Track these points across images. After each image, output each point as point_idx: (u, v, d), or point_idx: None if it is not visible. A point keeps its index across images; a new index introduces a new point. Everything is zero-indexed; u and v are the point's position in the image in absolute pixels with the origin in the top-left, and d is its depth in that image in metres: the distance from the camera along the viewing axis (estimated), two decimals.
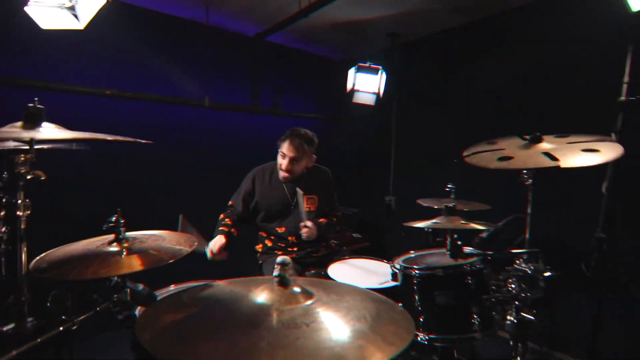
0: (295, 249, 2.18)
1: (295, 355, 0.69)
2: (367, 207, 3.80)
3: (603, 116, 1.68)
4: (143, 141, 1.06)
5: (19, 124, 0.92)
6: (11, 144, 0.97)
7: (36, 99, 0.96)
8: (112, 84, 2.48)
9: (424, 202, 2.28)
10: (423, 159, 3.44)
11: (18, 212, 0.91)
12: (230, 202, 2.26)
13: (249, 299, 0.93)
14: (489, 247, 1.49)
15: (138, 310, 1.43)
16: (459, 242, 1.26)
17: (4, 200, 1.40)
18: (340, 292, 1.03)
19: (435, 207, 2.19)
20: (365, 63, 3.26)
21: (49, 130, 0.94)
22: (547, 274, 1.26)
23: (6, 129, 0.90)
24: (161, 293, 1.56)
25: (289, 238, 2.17)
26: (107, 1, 1.69)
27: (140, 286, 1.35)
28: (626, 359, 2.19)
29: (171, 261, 1.08)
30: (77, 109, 2.34)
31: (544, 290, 1.31)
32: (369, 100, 3.36)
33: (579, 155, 1.27)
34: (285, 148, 2.10)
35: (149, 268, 1.06)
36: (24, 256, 0.92)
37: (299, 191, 2.05)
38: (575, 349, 2.40)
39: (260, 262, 2.24)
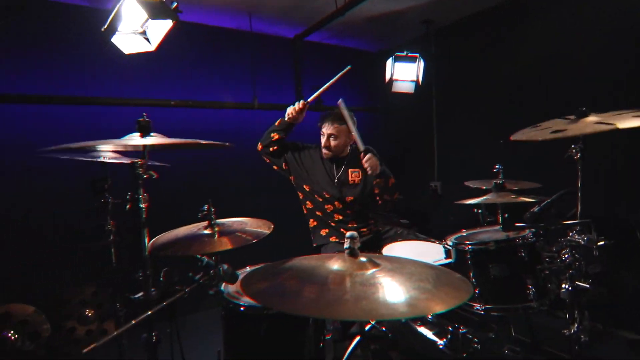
0: (342, 218, 2.31)
1: (375, 304, 0.85)
2: (413, 194, 3.86)
3: None
4: (227, 144, 1.26)
5: (136, 134, 1.15)
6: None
7: (144, 113, 1.19)
8: (174, 94, 2.79)
9: (472, 184, 2.34)
10: (466, 143, 3.45)
11: (140, 204, 1.15)
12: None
13: (325, 267, 1.10)
14: (541, 221, 1.56)
15: (224, 286, 1.68)
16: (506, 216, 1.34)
17: (109, 199, 1.68)
18: (401, 262, 1.18)
19: (484, 187, 2.24)
20: (402, 52, 3.32)
21: (156, 139, 1.17)
22: (601, 242, 1.31)
23: (126, 138, 1.13)
24: (240, 272, 1.79)
25: (336, 204, 2.29)
26: (174, 23, 1.93)
27: (226, 266, 1.59)
28: None
29: (254, 241, 1.27)
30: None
31: (601, 264, 1.36)
32: (408, 88, 3.42)
33: (632, 120, 1.29)
34: (323, 127, 2.31)
35: (237, 247, 1.27)
36: (146, 239, 1.16)
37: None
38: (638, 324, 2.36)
39: (314, 244, 2.38)
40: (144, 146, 1.15)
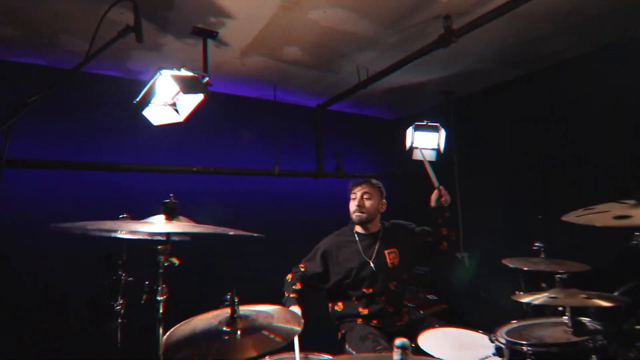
0: (376, 311, 2.10)
1: None
2: (437, 266, 3.62)
3: None
4: (255, 234, 1.15)
5: (162, 216, 1.05)
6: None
7: (172, 194, 1.10)
8: (197, 161, 2.77)
9: (510, 263, 2.13)
10: (491, 214, 3.29)
11: (158, 297, 1.01)
12: (301, 265, 2.21)
13: None
14: (607, 318, 1.35)
15: None
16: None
17: (122, 277, 1.54)
18: None
19: (525, 268, 2.05)
20: (422, 122, 3.33)
21: (182, 225, 1.06)
22: None
23: (150, 220, 1.03)
24: None
25: (376, 298, 2.10)
26: (204, 97, 1.95)
27: None
28: None
29: (285, 344, 1.09)
30: (171, 185, 2.63)
31: None
32: (430, 156, 3.37)
33: None
34: (355, 189, 2.24)
35: (263, 353, 1.08)
36: (161, 337, 1.00)
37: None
38: None
39: (342, 331, 2.15)
40: (168, 234, 1.04)
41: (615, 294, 1.37)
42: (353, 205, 2.22)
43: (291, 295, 2.00)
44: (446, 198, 2.30)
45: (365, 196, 2.23)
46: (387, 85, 3.23)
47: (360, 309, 2.10)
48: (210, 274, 2.77)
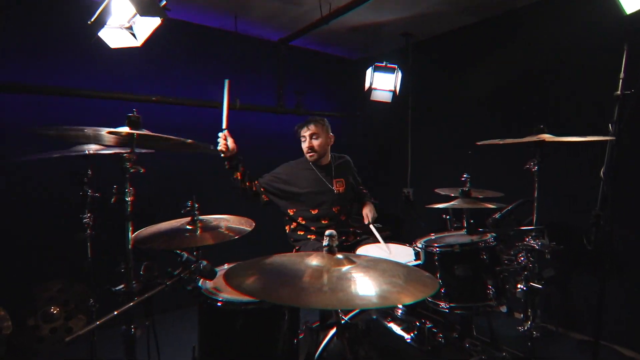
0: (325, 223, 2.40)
1: (350, 295, 0.93)
2: (387, 200, 4.01)
3: (601, 109, 1.88)
4: (211, 147, 1.31)
5: (125, 128, 1.18)
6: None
7: (135, 109, 1.22)
8: (155, 90, 2.77)
9: (442, 191, 2.49)
10: (437, 152, 3.64)
11: (126, 198, 1.18)
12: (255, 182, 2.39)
13: (305, 263, 1.17)
14: (501, 227, 1.70)
15: (202, 282, 1.71)
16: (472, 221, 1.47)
17: (89, 192, 1.68)
18: (375, 261, 1.27)
19: (452, 194, 2.39)
20: (382, 62, 3.47)
21: (148, 132, 1.20)
22: (555, 246, 1.46)
23: (118, 130, 1.16)
24: (218, 269, 1.83)
25: (323, 221, 2.40)
26: (162, 22, 1.95)
27: (205, 262, 1.62)
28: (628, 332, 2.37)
29: (236, 237, 1.33)
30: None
31: (554, 268, 1.52)
32: (386, 97, 3.58)
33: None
34: (302, 131, 2.42)
35: (218, 242, 1.31)
36: (130, 233, 1.19)
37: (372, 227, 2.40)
38: (588, 327, 2.58)
39: (296, 247, 2.46)
40: (136, 135, 1.18)
41: (510, 207, 1.72)
42: (305, 147, 2.42)
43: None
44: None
45: (313, 137, 2.40)
46: (350, 23, 3.27)
47: (311, 228, 2.40)
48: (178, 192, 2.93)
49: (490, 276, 1.62)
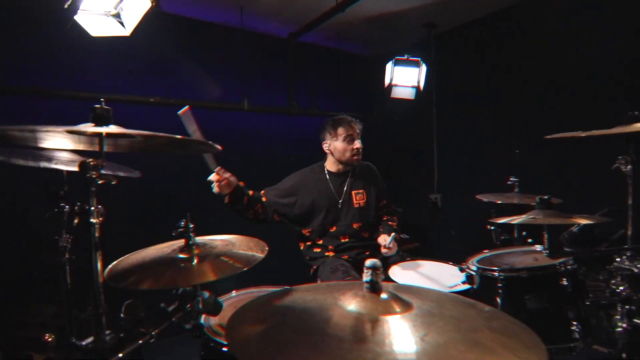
0: (347, 248, 2.07)
1: None
2: (410, 207, 3.63)
3: None
4: (218, 146, 0.99)
5: (89, 124, 0.86)
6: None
7: (102, 99, 0.91)
8: (153, 91, 2.49)
9: (485, 197, 2.11)
10: (469, 154, 3.26)
11: (92, 219, 0.86)
12: (262, 192, 2.07)
13: (340, 307, 0.83)
14: (581, 244, 1.33)
15: (204, 319, 1.38)
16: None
17: (76, 207, 1.37)
18: (433, 299, 0.92)
19: (499, 202, 2.03)
20: (403, 56, 3.13)
21: (116, 128, 0.88)
22: None
23: (78, 127, 0.84)
24: (223, 299, 1.50)
25: (342, 239, 2.07)
26: (152, 5, 1.66)
27: (207, 294, 1.29)
28: None
29: (245, 269, 0.99)
30: (122, 118, 2.37)
31: None
32: (408, 94, 3.23)
33: None
34: (347, 129, 2.03)
35: (221, 277, 0.99)
36: (99, 265, 0.87)
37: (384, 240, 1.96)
38: None
39: (313, 267, 2.13)
40: (104, 134, 0.86)
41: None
42: (352, 147, 2.03)
43: None
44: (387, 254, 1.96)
45: (359, 137, 2.08)
46: (367, 13, 2.95)
47: (329, 247, 2.06)
48: (169, 207, 2.63)
49: (572, 308, 1.25)
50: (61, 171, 1.42)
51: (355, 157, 2.06)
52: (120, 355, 0.82)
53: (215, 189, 1.78)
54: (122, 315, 1.00)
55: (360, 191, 2.12)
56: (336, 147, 2.06)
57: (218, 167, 1.73)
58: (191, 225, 1.05)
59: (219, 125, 2.87)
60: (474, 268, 1.42)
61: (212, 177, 1.76)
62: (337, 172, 2.13)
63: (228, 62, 2.89)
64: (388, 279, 1.73)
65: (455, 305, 0.89)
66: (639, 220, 1.24)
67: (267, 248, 1.10)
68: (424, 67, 3.16)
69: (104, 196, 0.92)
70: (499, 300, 1.33)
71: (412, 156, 3.83)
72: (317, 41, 3.50)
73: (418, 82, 3.19)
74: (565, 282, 1.24)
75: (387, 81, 3.21)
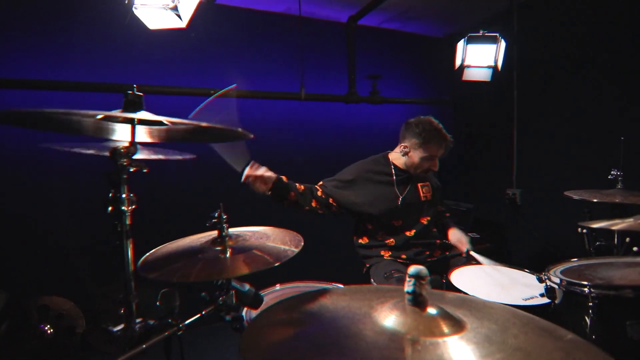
0: (402, 243, 1.90)
1: None
2: (485, 203, 3.26)
3: None
4: (250, 135, 0.92)
5: (118, 110, 0.86)
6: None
7: (135, 85, 0.89)
8: (213, 83, 2.55)
9: (576, 194, 1.75)
10: (556, 144, 2.78)
11: (123, 207, 0.85)
12: (319, 183, 1.94)
13: (374, 320, 0.71)
14: None
15: (245, 312, 1.36)
16: None
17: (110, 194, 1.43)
18: (497, 318, 0.74)
19: (595, 200, 1.67)
20: (477, 32, 2.77)
21: (149, 115, 0.86)
22: None
23: (110, 113, 0.84)
24: (266, 293, 1.46)
25: (406, 233, 1.91)
26: None
27: (247, 286, 1.25)
28: None
29: (277, 264, 0.92)
30: (181, 110, 2.48)
31: None
32: (484, 76, 2.86)
33: None
34: (437, 149, 1.85)
35: (254, 271, 0.92)
36: (130, 253, 0.86)
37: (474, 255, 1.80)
38: None
39: (366, 265, 1.99)
40: (136, 121, 0.85)
41: None
42: (427, 167, 1.89)
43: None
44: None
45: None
46: None
47: (387, 242, 1.90)
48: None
49: None
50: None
51: (422, 171, 1.92)
52: (144, 346, 0.80)
53: (253, 185, 1.67)
54: (157, 303, 1.00)
55: (426, 184, 1.98)
56: (413, 158, 1.89)
57: (252, 162, 1.61)
58: (224, 216, 1.00)
59: (275, 115, 2.86)
60: (557, 280, 1.16)
61: (247, 171, 1.64)
62: (402, 169, 1.96)
63: (285, 51, 2.85)
64: (448, 285, 1.53)
65: (525, 330, 0.70)
66: None
67: (302, 242, 1.02)
68: (502, 44, 2.76)
69: (145, 185, 0.91)
70: (588, 322, 1.06)
71: (488, 146, 3.42)
72: (380, 24, 3.28)
73: (495, 61, 2.80)
74: None
75: (458, 62, 2.89)
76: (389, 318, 0.69)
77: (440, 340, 0.63)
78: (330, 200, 1.87)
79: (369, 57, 3.20)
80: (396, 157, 1.97)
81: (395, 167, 1.95)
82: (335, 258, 2.54)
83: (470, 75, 2.86)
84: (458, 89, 3.49)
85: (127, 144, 0.87)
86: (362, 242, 1.97)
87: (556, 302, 1.19)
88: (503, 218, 3.07)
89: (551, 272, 1.22)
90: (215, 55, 2.68)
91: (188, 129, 0.96)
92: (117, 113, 0.83)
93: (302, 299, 0.85)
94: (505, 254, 2.97)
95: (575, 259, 1.28)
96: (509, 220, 3.02)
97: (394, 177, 1.92)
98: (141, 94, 0.89)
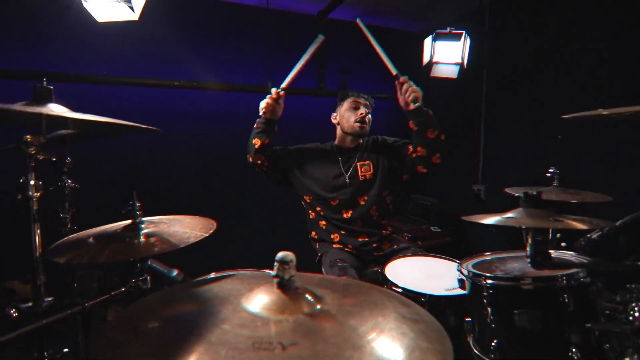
0: (353, 232, 1.95)
1: None
2: (450, 197, 3.33)
3: None
4: (153, 128, 0.97)
5: (24, 103, 0.91)
6: None
7: (45, 79, 0.94)
8: (175, 75, 2.59)
9: (515, 191, 1.81)
10: (517, 141, 2.84)
11: (30, 193, 0.91)
12: None
13: (244, 303, 0.77)
14: (602, 254, 1.06)
15: None
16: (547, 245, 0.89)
17: (67, 183, 1.49)
18: (360, 295, 0.80)
19: None
20: (445, 29, 2.80)
21: (58, 108, 0.91)
22: None
23: (16, 106, 0.89)
24: (197, 280, 1.53)
25: (344, 214, 1.95)
26: None
27: (175, 272, 1.31)
28: None
29: (182, 246, 0.98)
30: (151, 102, 2.51)
31: None
32: (451, 73, 2.90)
33: None
34: (356, 98, 2.00)
35: (163, 252, 0.99)
36: (37, 238, 0.92)
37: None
38: None
39: (318, 254, 2.08)
40: (44, 114, 0.90)
41: (619, 223, 1.06)
42: (355, 115, 1.96)
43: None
44: (411, 91, 1.75)
45: (367, 109, 1.99)
46: None
47: (333, 236, 1.97)
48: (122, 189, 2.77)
49: (576, 333, 1.01)
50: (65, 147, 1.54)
51: (359, 125, 1.95)
52: (45, 321, 0.86)
53: (264, 104, 1.83)
54: (75, 284, 1.07)
55: (367, 162, 1.98)
56: (342, 115, 2.01)
57: (283, 92, 1.82)
58: (138, 204, 1.06)
59: (242, 107, 2.89)
60: (465, 272, 1.22)
61: (274, 90, 1.83)
62: (346, 148, 2.04)
63: (253, 43, 2.87)
64: (383, 276, 1.60)
65: (385, 312, 0.76)
66: None
67: (213, 227, 1.08)
68: (468, 41, 2.79)
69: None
70: (489, 311, 1.13)
71: (456, 142, 3.46)
72: (354, 18, 3.29)
73: (462, 58, 2.84)
74: (566, 299, 1.00)
75: (426, 58, 2.92)
76: (255, 300, 0.76)
77: (301, 317, 0.69)
78: (281, 161, 2.00)
79: (341, 51, 3.23)
80: (338, 139, 2.07)
81: (339, 147, 2.05)
82: (294, 247, 2.62)
83: (438, 71, 2.90)
84: (430, 84, 3.52)
85: (35, 135, 0.92)
86: (312, 217, 2.06)
87: (466, 291, 1.26)
88: (466, 213, 3.13)
89: (464, 265, 1.29)
90: (180, 46, 2.70)
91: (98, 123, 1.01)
92: (18, 107, 0.88)
93: (188, 287, 0.90)
94: (463, 248, 3.04)
95: (489, 253, 1.35)
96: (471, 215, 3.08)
97: (339, 157, 2.00)
98: (51, 87, 0.94)
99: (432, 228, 3.01)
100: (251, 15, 2.89)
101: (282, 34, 3.00)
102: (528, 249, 0.91)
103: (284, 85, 1.81)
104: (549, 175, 1.80)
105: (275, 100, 1.82)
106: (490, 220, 0.99)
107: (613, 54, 2.20)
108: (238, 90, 2.81)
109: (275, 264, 0.78)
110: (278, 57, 2.97)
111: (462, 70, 2.84)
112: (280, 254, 0.78)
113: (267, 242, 1.80)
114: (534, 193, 0.97)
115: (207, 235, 1.05)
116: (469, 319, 1.25)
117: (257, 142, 1.88)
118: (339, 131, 2.06)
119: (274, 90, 1.81)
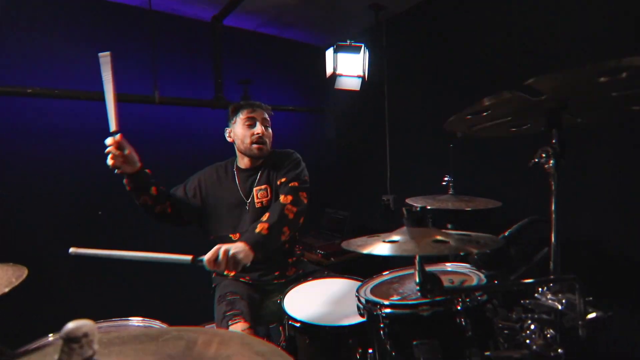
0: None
1: None
2: (361, 209, 3.30)
3: None
4: None
5: None
6: None
7: None
8: (42, 82, 2.11)
9: (415, 202, 1.77)
10: (420, 150, 2.93)
11: None
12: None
13: None
14: (494, 266, 0.99)
15: None
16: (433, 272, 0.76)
17: None
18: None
19: (429, 207, 1.69)
20: (345, 42, 2.78)
21: None
22: (592, 314, 0.75)
23: None
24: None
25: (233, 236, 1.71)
26: None
27: None
28: None
29: None
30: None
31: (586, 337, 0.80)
32: (354, 85, 2.88)
33: None
34: (250, 112, 1.73)
35: None
36: None
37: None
38: None
39: (213, 284, 1.81)
40: None
41: (507, 233, 1.01)
42: (251, 134, 1.71)
43: None
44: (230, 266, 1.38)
45: (265, 123, 1.76)
46: None
47: None
48: None
49: (476, 356, 0.91)
50: None
51: (257, 147, 1.72)
52: None
53: (110, 159, 1.39)
54: None
55: (264, 187, 1.74)
56: (236, 133, 1.76)
57: (119, 134, 1.38)
58: None
59: (131, 119, 2.48)
60: (363, 301, 1.07)
61: (109, 140, 1.37)
62: (246, 168, 1.80)
63: (137, 49, 2.50)
64: (281, 308, 1.38)
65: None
66: (566, 233, 0.90)
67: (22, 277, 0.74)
68: (367, 54, 2.82)
69: None
70: (389, 343, 0.98)
71: (364, 153, 3.49)
72: (254, 27, 3.13)
73: (363, 71, 2.85)
74: (463, 322, 0.90)
75: (329, 70, 2.87)
76: None
77: None
78: (182, 206, 1.71)
79: (241, 61, 3.03)
80: (238, 158, 1.84)
81: (239, 168, 1.81)
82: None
83: (342, 84, 2.86)
84: (336, 97, 3.52)
85: None
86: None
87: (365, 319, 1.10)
88: (377, 224, 3.13)
89: (361, 291, 1.14)
90: (50, 49, 2.22)
91: None
92: None
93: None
94: (376, 264, 3.01)
95: (387, 272, 1.23)
96: (382, 226, 3.07)
97: (238, 182, 1.76)
98: None
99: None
100: (134, 17, 2.51)
101: (175, 39, 2.68)
102: (416, 275, 0.77)
103: (113, 127, 1.35)
104: (444, 183, 1.80)
105: (118, 149, 1.39)
106: (371, 249, 0.84)
107: (495, 68, 2.38)
108: (122, 102, 2.38)
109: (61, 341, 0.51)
110: (170, 65, 2.65)
111: (366, 83, 2.84)
112: (68, 326, 0.51)
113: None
114: (417, 209, 0.85)
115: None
116: (371, 350, 1.10)
117: (143, 204, 1.55)
118: (236, 149, 1.81)
119: (108, 140, 1.38)
